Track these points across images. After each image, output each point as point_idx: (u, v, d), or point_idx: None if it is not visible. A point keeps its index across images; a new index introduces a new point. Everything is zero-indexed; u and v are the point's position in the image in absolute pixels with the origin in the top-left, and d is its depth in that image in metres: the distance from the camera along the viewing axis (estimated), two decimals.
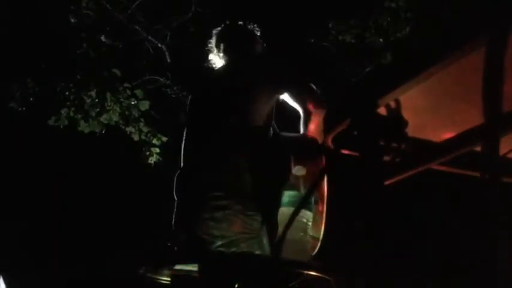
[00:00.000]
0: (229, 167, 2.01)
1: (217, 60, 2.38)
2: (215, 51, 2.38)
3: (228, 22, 2.44)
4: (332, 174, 2.10)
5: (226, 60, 2.35)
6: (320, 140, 2.15)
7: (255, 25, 2.42)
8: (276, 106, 2.19)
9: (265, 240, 1.96)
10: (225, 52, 2.35)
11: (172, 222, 2.11)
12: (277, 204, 2.00)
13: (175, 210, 2.11)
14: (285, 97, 2.19)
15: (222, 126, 2.11)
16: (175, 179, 2.14)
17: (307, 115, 2.14)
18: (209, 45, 2.41)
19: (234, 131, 2.07)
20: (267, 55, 2.40)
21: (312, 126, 2.13)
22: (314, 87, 2.19)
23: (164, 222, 2.27)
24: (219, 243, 1.94)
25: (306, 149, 2.10)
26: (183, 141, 2.22)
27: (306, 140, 2.13)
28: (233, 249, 1.93)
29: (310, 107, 2.14)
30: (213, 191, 1.97)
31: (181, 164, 2.18)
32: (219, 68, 2.35)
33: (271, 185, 2.00)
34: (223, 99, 2.17)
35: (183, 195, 2.10)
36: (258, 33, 2.41)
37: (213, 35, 2.41)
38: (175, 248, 2.14)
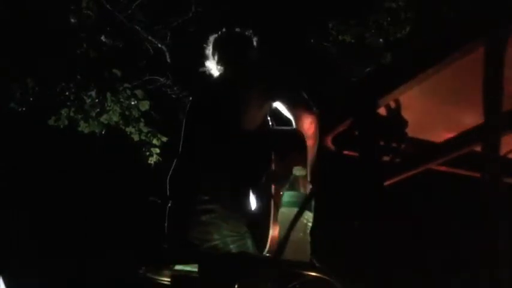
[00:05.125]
0: (216, 172, 2.03)
1: (213, 67, 2.40)
2: (211, 58, 2.40)
3: (224, 30, 2.45)
4: (331, 175, 2.10)
5: (221, 69, 2.37)
6: (313, 153, 2.14)
7: (252, 31, 2.43)
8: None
9: (250, 241, 1.98)
10: (220, 60, 2.37)
11: (165, 225, 2.14)
12: (262, 203, 2.00)
13: (167, 212, 2.14)
14: (278, 105, 2.20)
15: (212, 133, 2.14)
16: (167, 181, 2.17)
17: (298, 122, 2.14)
18: (206, 51, 2.43)
19: (222, 137, 2.10)
20: (261, 63, 2.40)
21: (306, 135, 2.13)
22: (304, 95, 2.20)
23: (164, 223, 2.29)
24: (207, 245, 1.96)
25: (289, 142, 2.10)
26: (180, 145, 2.26)
27: (291, 133, 2.13)
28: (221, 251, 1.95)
29: (302, 118, 2.14)
30: (201, 195, 2.00)
31: (173, 167, 2.22)
32: (215, 77, 2.38)
33: (252, 184, 2.02)
34: (215, 107, 2.20)
35: (174, 198, 2.13)
36: (255, 40, 2.41)
37: (209, 42, 2.43)
38: (169, 250, 2.16)
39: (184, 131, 2.29)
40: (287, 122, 2.20)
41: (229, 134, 2.10)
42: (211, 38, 2.44)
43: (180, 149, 2.26)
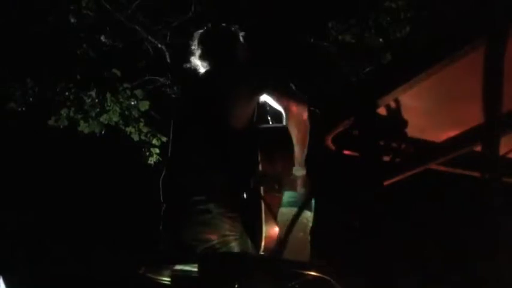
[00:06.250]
0: (209, 172, 2.02)
1: (199, 64, 2.38)
2: (197, 55, 2.38)
3: (209, 25, 2.43)
4: (331, 175, 2.10)
5: (207, 65, 2.34)
6: (306, 142, 2.13)
7: (237, 26, 2.40)
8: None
9: (248, 241, 1.97)
10: (206, 57, 2.35)
11: (160, 227, 2.13)
12: (253, 203, 2.00)
13: (162, 214, 2.13)
14: (267, 99, 2.18)
15: (201, 132, 2.12)
16: (160, 183, 2.16)
17: (289, 115, 2.13)
18: (191, 48, 2.41)
19: (213, 136, 2.08)
20: (247, 59, 2.38)
21: (295, 129, 2.11)
22: (294, 87, 2.19)
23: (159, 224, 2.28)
24: (204, 246, 1.95)
25: (275, 140, 2.09)
26: (170, 146, 2.25)
27: (277, 131, 2.12)
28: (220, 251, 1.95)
29: (291, 106, 2.13)
30: (195, 196, 1.99)
31: (165, 168, 2.20)
32: (201, 74, 2.36)
33: (244, 183, 2.01)
34: (202, 106, 2.18)
35: (168, 200, 2.12)
36: (241, 35, 2.39)
37: (194, 38, 2.40)
38: (166, 252, 2.15)
39: (173, 131, 2.27)
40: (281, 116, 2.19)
41: (220, 132, 2.08)
42: (196, 35, 2.42)
43: (170, 150, 2.24)
